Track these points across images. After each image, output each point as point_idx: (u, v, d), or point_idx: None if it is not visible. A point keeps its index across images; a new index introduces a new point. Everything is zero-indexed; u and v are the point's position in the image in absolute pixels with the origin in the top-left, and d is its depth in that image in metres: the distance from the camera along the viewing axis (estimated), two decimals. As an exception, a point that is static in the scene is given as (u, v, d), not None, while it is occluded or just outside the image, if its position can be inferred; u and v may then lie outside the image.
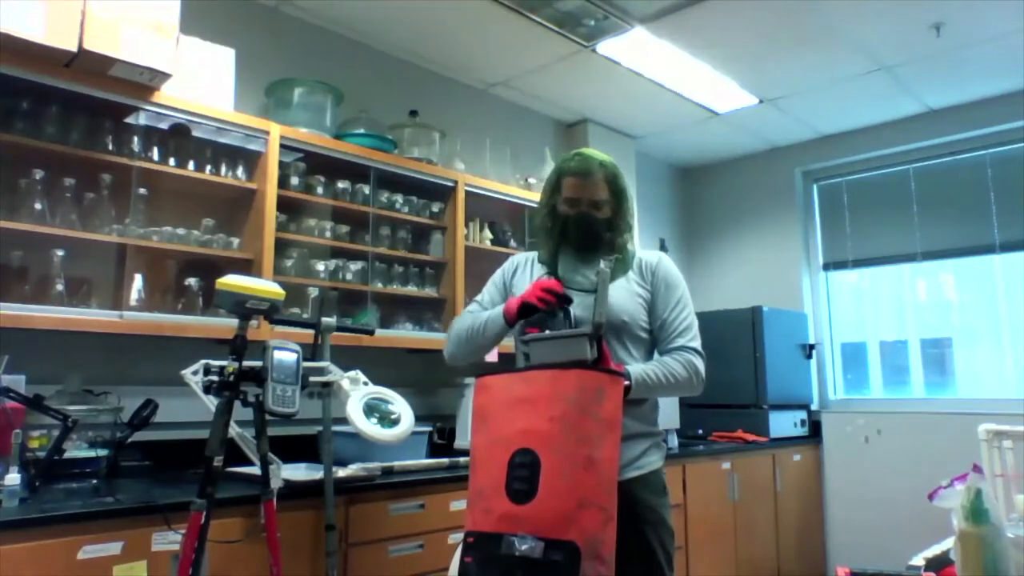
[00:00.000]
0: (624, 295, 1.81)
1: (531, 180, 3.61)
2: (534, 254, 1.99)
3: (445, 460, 2.59)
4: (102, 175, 2.28)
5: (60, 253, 2.18)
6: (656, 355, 1.86)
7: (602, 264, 1.57)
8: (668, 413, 3.57)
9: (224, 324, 2.28)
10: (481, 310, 1.93)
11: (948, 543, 1.61)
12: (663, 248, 4.73)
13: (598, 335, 1.53)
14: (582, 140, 4.25)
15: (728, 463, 3.70)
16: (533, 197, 3.32)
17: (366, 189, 2.94)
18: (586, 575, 1.32)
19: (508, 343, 1.97)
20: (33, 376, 2.06)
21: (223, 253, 2.52)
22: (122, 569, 1.72)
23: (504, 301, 1.90)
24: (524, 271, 1.96)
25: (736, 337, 4.16)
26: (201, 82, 2.45)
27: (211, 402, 1.76)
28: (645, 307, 1.84)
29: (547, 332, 1.61)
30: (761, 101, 4.03)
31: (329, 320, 2.19)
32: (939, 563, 1.67)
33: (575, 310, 1.72)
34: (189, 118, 2.42)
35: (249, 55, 2.72)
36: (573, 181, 1.84)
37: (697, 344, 1.82)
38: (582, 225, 1.84)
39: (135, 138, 2.34)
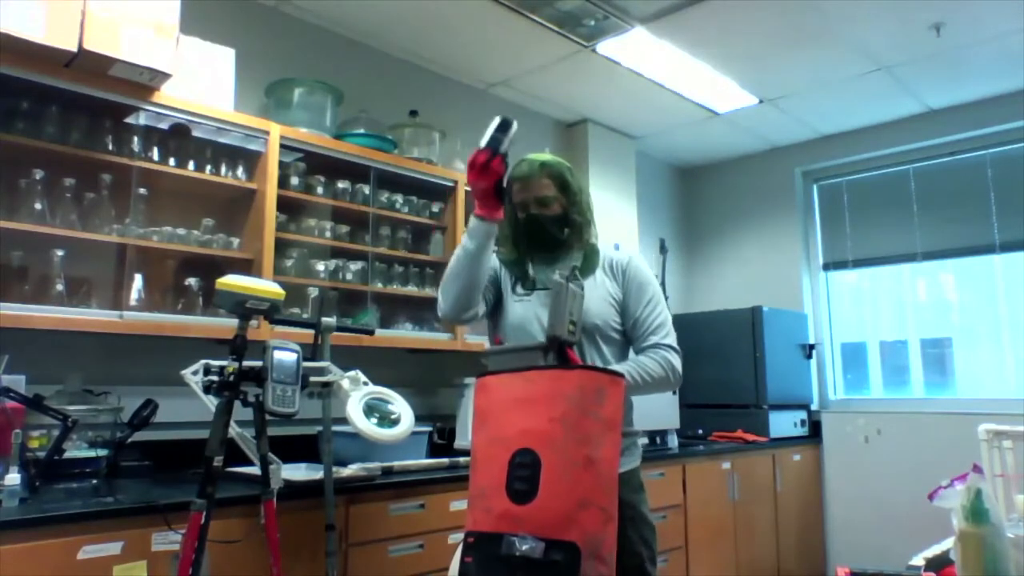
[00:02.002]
0: (595, 297, 1.81)
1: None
2: None
3: (445, 460, 2.59)
4: (102, 175, 2.28)
5: (60, 253, 2.18)
6: (631, 354, 1.86)
7: (556, 275, 1.55)
8: (668, 413, 3.59)
9: (224, 324, 2.28)
10: None
11: (948, 543, 1.61)
12: (663, 248, 4.72)
13: (556, 347, 1.53)
14: (582, 140, 4.25)
15: (728, 463, 3.70)
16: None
17: (366, 189, 2.94)
18: (586, 575, 1.32)
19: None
20: (33, 376, 2.06)
21: (223, 253, 2.53)
22: (122, 569, 1.72)
23: (493, 279, 1.91)
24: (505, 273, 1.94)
25: (736, 337, 4.17)
26: (201, 82, 2.45)
27: (211, 402, 1.76)
28: (616, 308, 1.84)
29: (504, 345, 1.64)
30: (761, 101, 4.03)
31: (329, 320, 2.19)
32: (939, 563, 1.67)
33: (548, 318, 1.71)
34: (189, 118, 2.42)
35: (249, 55, 2.72)
36: (517, 186, 1.87)
37: (672, 340, 1.82)
38: (534, 226, 1.85)
39: (135, 138, 2.34)
